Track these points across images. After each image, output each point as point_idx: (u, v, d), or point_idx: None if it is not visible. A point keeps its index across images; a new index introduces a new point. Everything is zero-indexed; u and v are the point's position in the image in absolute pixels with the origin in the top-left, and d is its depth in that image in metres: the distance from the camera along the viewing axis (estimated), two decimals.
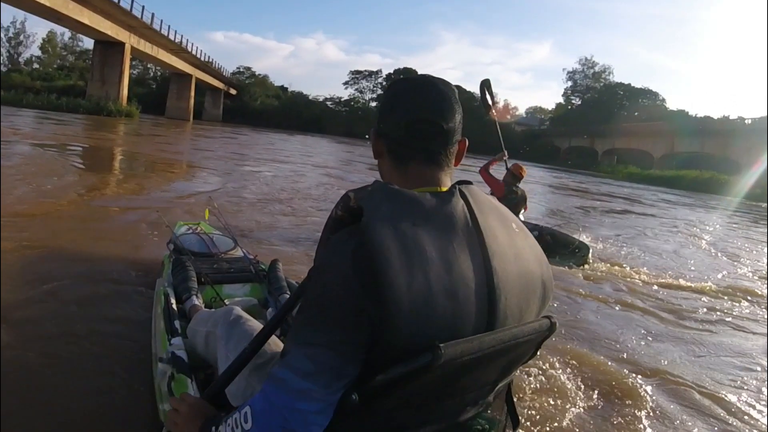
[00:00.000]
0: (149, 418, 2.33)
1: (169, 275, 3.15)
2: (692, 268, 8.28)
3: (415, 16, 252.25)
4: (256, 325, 2.01)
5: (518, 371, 1.32)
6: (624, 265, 7.52)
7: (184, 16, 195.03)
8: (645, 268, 7.50)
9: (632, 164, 58.98)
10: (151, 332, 2.95)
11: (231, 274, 3.30)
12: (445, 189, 1.20)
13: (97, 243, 5.11)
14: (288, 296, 2.78)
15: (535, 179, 29.06)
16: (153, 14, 45.67)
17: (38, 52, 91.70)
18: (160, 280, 3.27)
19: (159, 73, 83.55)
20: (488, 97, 7.12)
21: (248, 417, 1.07)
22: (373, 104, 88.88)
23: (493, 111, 7.26)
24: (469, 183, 1.23)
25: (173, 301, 2.80)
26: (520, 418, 1.41)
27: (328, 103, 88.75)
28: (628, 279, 6.78)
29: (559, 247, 7.04)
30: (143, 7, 43.46)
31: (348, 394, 1.01)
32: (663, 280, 6.96)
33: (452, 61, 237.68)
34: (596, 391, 3.40)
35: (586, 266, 7.12)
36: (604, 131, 69.99)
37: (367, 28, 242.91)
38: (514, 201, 6.62)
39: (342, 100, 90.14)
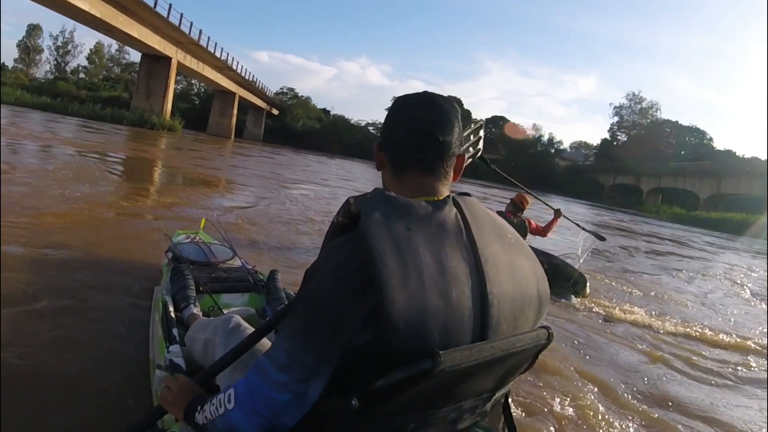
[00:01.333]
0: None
1: (167, 283, 3.19)
2: (728, 318, 7.77)
3: (461, 43, 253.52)
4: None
5: (516, 381, 1.32)
6: (634, 310, 6.98)
7: (230, 34, 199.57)
8: (668, 316, 7.00)
9: (678, 204, 58.42)
10: (149, 340, 2.98)
11: (229, 284, 3.33)
12: (440, 198, 1.24)
13: (106, 250, 5.17)
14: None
15: (575, 217, 28.84)
16: (201, 31, 46.60)
17: (85, 62, 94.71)
18: (159, 288, 3.31)
19: (203, 90, 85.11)
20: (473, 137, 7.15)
21: (231, 398, 1.18)
22: None
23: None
24: (467, 195, 1.27)
25: (171, 309, 2.84)
26: (516, 428, 1.43)
27: (370, 128, 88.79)
28: (632, 322, 6.39)
29: (558, 279, 6.94)
30: (191, 23, 44.39)
31: (347, 399, 1.03)
32: (684, 329, 6.34)
33: (496, 90, 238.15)
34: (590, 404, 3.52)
35: (584, 299, 7.02)
36: (650, 169, 69.20)
37: (412, 53, 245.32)
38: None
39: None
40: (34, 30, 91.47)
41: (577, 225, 7.73)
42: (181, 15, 42.04)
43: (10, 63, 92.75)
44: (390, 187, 1.31)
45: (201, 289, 3.12)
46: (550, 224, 7.42)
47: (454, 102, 1.31)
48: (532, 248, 1.35)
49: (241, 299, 3.24)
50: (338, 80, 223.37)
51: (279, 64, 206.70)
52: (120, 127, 38.02)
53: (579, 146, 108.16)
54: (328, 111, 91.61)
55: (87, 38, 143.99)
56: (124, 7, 35.53)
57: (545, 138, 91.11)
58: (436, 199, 1.23)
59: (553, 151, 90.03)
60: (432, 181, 1.27)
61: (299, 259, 6.37)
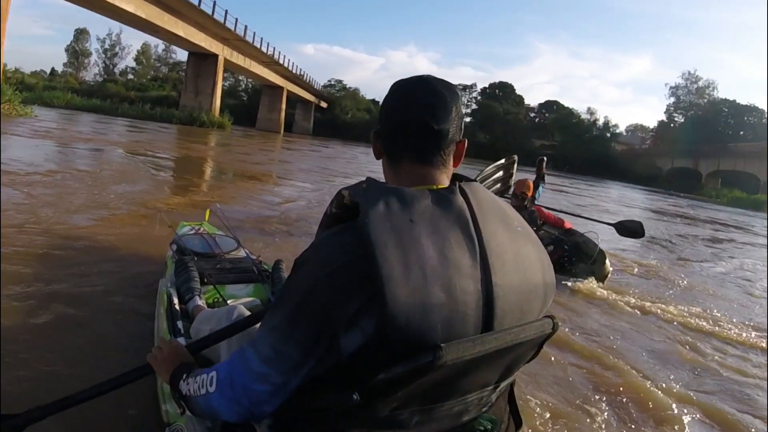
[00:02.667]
0: (152, 419, 2.36)
1: (171, 276, 3.21)
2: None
3: (509, 26, 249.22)
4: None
5: (521, 371, 1.33)
6: (671, 305, 6.15)
7: (275, 29, 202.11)
8: (714, 314, 6.09)
9: (738, 188, 56.51)
10: (154, 332, 3.00)
11: (234, 275, 3.34)
12: (442, 186, 1.22)
13: (115, 244, 5.26)
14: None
15: (631, 202, 28.17)
16: (246, 26, 47.21)
17: (133, 63, 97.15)
18: (163, 280, 3.31)
19: (250, 85, 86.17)
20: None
21: (213, 382, 1.23)
22: (468, 119, 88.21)
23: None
24: (473, 180, 1.25)
25: (176, 301, 2.86)
26: (522, 418, 1.42)
27: None
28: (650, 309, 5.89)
29: (581, 257, 6.81)
30: (236, 19, 44.98)
31: (350, 393, 1.03)
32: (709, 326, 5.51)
33: (548, 74, 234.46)
34: (600, 394, 3.46)
35: (602, 281, 6.74)
36: (709, 152, 67.18)
37: (460, 39, 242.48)
38: None
39: None
40: (81, 34, 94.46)
41: (607, 224, 7.57)
42: (226, 12, 42.68)
43: (59, 68, 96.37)
44: (387, 176, 1.31)
45: (205, 280, 3.15)
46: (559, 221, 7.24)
47: (453, 87, 1.28)
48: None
49: (245, 290, 3.25)
50: (386, 70, 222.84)
51: (325, 57, 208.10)
52: (169, 126, 38.90)
53: (635, 129, 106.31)
54: (377, 101, 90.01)
55: (134, 40, 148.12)
56: (169, 6, 36.26)
57: (600, 122, 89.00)
58: (436, 187, 1.21)
59: (608, 135, 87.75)
60: (429, 170, 1.24)
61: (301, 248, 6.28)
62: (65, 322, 3.36)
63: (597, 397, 3.44)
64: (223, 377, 1.21)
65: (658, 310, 5.79)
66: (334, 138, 66.73)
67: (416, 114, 1.22)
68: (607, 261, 6.90)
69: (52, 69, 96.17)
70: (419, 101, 1.23)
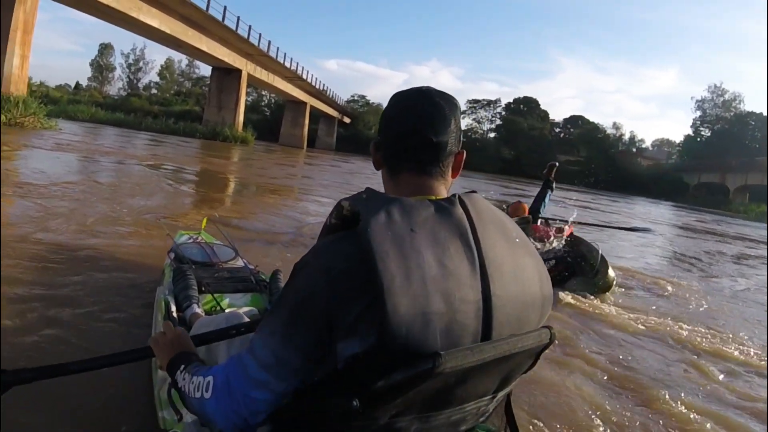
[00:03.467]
0: (149, 426, 2.36)
1: (169, 283, 3.23)
2: None
3: (532, 41, 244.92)
4: None
5: (517, 382, 1.33)
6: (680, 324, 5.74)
7: (298, 44, 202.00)
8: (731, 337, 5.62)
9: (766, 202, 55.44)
10: None
11: (232, 284, 3.35)
12: (441, 198, 1.24)
13: (114, 253, 5.29)
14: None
15: (658, 218, 27.85)
16: (269, 42, 47.59)
17: (156, 78, 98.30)
18: (161, 288, 3.34)
19: (273, 100, 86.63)
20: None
21: (209, 387, 1.20)
22: (492, 135, 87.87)
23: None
24: (473, 192, 1.26)
25: (174, 309, 2.88)
26: (518, 428, 1.44)
27: None
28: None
29: (584, 269, 6.69)
30: (260, 34, 45.41)
31: (348, 400, 1.03)
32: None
33: (573, 88, 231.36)
34: (595, 407, 3.43)
35: (605, 293, 6.59)
36: (736, 166, 66.40)
37: (483, 54, 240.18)
38: None
39: None
40: (105, 49, 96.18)
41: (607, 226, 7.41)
42: (249, 27, 43.17)
43: (84, 82, 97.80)
44: (386, 186, 1.33)
45: (203, 289, 3.17)
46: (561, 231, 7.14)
47: (452, 99, 1.31)
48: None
49: (243, 299, 3.26)
50: (409, 85, 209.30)
51: (348, 72, 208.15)
52: (192, 141, 39.30)
53: (661, 144, 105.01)
54: None
55: (157, 55, 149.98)
56: (193, 22, 36.73)
57: (626, 137, 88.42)
58: (435, 198, 1.23)
59: (634, 150, 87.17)
60: (428, 180, 1.26)
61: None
62: (61, 329, 3.38)
63: (593, 409, 3.41)
64: (219, 384, 1.18)
65: (667, 327, 5.56)
66: (356, 153, 66.69)
67: (416, 126, 1.24)
68: (611, 270, 6.76)
69: (77, 83, 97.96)
70: (419, 113, 1.25)
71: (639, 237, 13.23)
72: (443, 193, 1.27)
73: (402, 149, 1.27)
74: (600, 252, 6.77)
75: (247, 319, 2.15)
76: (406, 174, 1.27)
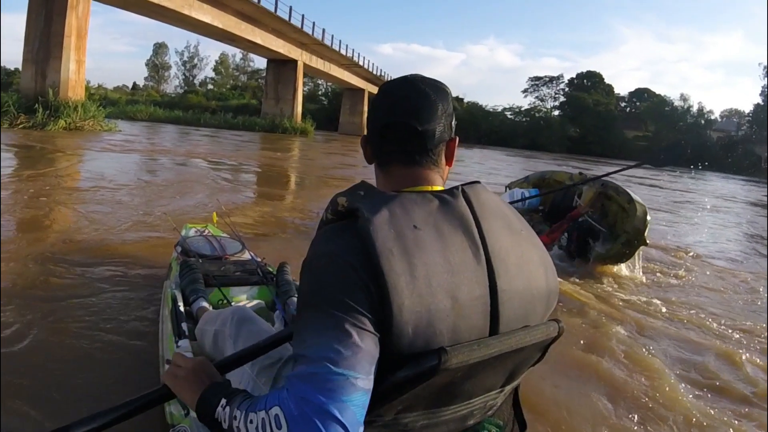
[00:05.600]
0: (155, 420, 2.34)
1: (176, 277, 3.29)
2: None
3: (591, 11, 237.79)
4: (265, 325, 2.14)
5: (525, 375, 1.34)
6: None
7: (351, 30, 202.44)
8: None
9: None
10: (159, 334, 3.07)
11: (238, 277, 3.40)
12: (437, 188, 1.26)
13: (125, 249, 5.38)
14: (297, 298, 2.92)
15: (724, 194, 26.83)
16: (324, 30, 47.74)
17: (212, 74, 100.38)
18: (168, 282, 3.40)
19: (330, 89, 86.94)
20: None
21: (281, 422, 0.95)
22: (556, 113, 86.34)
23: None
24: (477, 183, 1.26)
25: (181, 303, 2.92)
26: (527, 422, 1.44)
27: (507, 113, 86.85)
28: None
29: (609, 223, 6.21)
30: (314, 23, 45.56)
31: None
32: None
33: (636, 59, 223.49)
34: (607, 399, 3.35)
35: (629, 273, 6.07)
36: None
37: (541, 28, 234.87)
38: None
39: (522, 109, 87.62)
40: (160, 48, 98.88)
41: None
42: (303, 16, 43.34)
43: (140, 82, 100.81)
44: (378, 180, 1.34)
45: (210, 282, 3.22)
46: (556, 228, 6.53)
47: (441, 85, 1.30)
48: None
49: (250, 292, 3.31)
50: (466, 65, 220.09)
51: (404, 55, 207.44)
52: (252, 134, 39.98)
53: (730, 114, 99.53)
54: (462, 99, 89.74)
55: (211, 50, 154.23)
56: (246, 15, 37.18)
57: (694, 108, 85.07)
58: (430, 188, 1.24)
59: (702, 122, 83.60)
60: (419, 170, 1.27)
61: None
62: (69, 325, 3.46)
63: (604, 401, 3.33)
64: (296, 413, 0.94)
65: (697, 318, 5.01)
66: None
67: (399, 116, 1.24)
68: (642, 215, 5.92)
69: (134, 83, 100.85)
70: (402, 102, 1.25)
71: (714, 217, 12.67)
72: (438, 182, 1.28)
73: (388, 141, 1.27)
74: (634, 197, 6.11)
75: (253, 313, 2.20)
76: (395, 165, 1.28)
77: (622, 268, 6.27)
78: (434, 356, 1.00)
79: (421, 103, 1.24)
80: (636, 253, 6.10)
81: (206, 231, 4.33)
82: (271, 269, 3.56)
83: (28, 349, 3.08)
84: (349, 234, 1.07)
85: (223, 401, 1.12)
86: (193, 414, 1.87)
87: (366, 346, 0.98)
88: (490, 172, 23.59)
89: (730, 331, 4.70)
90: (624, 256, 6.08)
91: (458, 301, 1.06)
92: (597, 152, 69.51)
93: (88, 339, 3.28)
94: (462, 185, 1.21)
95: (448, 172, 1.33)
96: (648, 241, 6.07)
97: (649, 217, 6.02)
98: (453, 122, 1.30)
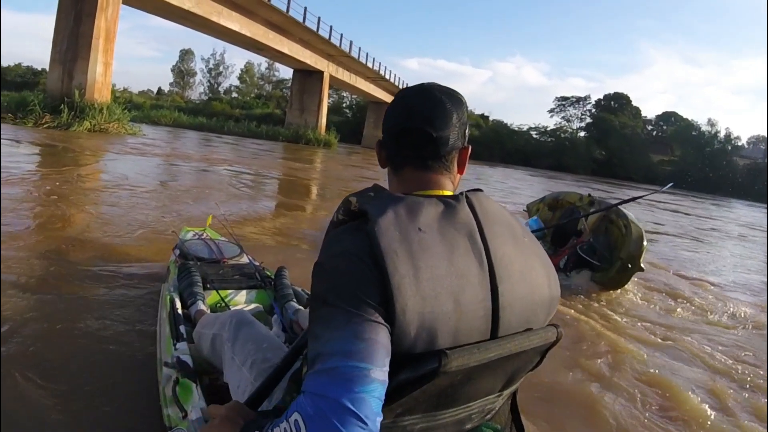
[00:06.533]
0: (153, 422, 2.41)
1: (174, 280, 3.31)
2: None
3: (618, 31, 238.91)
4: (263, 329, 2.14)
5: (523, 379, 1.38)
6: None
7: (378, 44, 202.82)
8: None
9: None
10: (157, 337, 3.09)
11: (236, 281, 3.42)
12: (446, 193, 1.29)
13: (122, 250, 5.40)
14: (295, 303, 3.02)
15: (750, 223, 26.30)
16: (351, 42, 47.87)
17: (237, 82, 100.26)
18: (166, 285, 3.42)
19: (354, 102, 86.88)
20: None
21: (300, 425, 0.96)
22: (582, 134, 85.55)
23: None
24: (479, 191, 1.30)
25: (179, 306, 2.93)
26: (525, 427, 1.47)
27: (533, 132, 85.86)
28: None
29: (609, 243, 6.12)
30: (341, 35, 45.64)
31: None
32: None
33: (663, 82, 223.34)
34: (605, 405, 3.40)
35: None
36: None
37: (569, 48, 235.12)
38: None
39: (547, 129, 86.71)
40: (186, 54, 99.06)
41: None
42: (331, 27, 43.38)
43: (165, 87, 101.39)
44: (391, 184, 1.37)
45: (208, 285, 3.24)
46: (559, 254, 6.50)
47: (456, 94, 1.33)
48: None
49: (248, 296, 3.32)
50: (493, 83, 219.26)
51: (430, 71, 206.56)
52: (273, 144, 39.97)
53: (757, 141, 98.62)
54: (487, 116, 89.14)
55: (237, 59, 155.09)
56: (274, 24, 37.38)
57: (721, 134, 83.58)
58: (442, 193, 1.27)
59: (729, 148, 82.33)
60: (431, 175, 1.30)
61: (310, 256, 6.01)
62: (66, 326, 3.44)
63: (602, 406, 3.38)
64: (313, 412, 0.96)
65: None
66: None
67: (414, 122, 1.28)
68: (637, 238, 5.90)
69: (159, 88, 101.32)
70: (418, 109, 1.29)
71: (739, 246, 12.41)
72: (448, 187, 1.31)
73: (402, 145, 1.31)
74: (631, 219, 6.05)
75: (251, 317, 2.20)
76: (408, 170, 1.31)
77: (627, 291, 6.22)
78: (434, 359, 1.04)
79: (437, 111, 1.27)
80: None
81: (204, 234, 4.37)
82: (269, 273, 3.58)
83: (22, 352, 3.06)
84: (361, 234, 1.10)
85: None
86: (190, 417, 1.91)
87: (380, 338, 1.01)
88: (513, 191, 23.42)
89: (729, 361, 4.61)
90: (619, 283, 6.03)
91: (460, 305, 1.09)
92: (622, 175, 68.66)
93: (84, 340, 3.29)
94: (466, 192, 1.24)
95: (459, 180, 1.37)
96: (644, 267, 5.98)
97: (645, 242, 5.96)
98: (467, 131, 1.34)
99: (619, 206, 6.32)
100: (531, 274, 1.23)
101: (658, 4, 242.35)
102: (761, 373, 4.29)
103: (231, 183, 12.88)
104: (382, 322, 1.03)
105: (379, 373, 0.99)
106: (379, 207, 1.13)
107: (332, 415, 0.93)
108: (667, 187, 6.65)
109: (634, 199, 6.62)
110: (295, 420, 0.97)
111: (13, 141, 15.32)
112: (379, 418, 0.97)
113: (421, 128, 1.27)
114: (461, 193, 1.25)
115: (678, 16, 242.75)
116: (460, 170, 1.36)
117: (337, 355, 0.99)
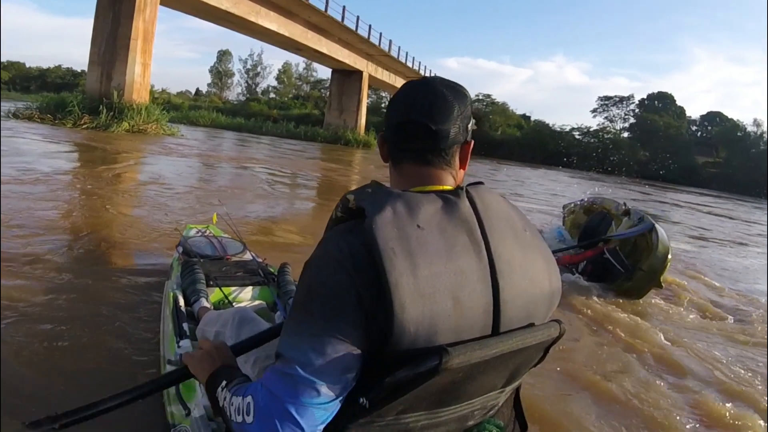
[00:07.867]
0: (157, 420, 2.42)
1: (178, 278, 3.35)
2: None
3: (661, 29, 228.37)
4: (266, 326, 2.16)
5: (526, 375, 1.37)
6: None
7: (416, 43, 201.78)
8: None
9: None
10: (160, 334, 3.12)
11: (240, 277, 3.45)
12: (447, 188, 1.28)
13: (126, 248, 5.47)
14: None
15: None
16: (390, 41, 47.68)
17: (274, 83, 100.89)
18: (169, 282, 3.46)
19: None
20: None
21: (250, 410, 1.08)
22: (626, 134, 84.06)
23: None
24: (480, 183, 1.29)
25: (182, 303, 2.97)
26: (527, 422, 1.47)
27: (575, 133, 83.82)
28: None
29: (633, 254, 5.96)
30: (380, 34, 45.44)
31: (357, 398, 1.09)
32: None
33: (707, 81, 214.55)
34: (605, 402, 3.42)
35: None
36: None
37: (612, 47, 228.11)
38: None
39: (590, 129, 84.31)
40: (224, 55, 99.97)
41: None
42: (370, 27, 43.28)
43: (203, 88, 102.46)
44: (391, 179, 1.37)
45: (211, 282, 3.26)
46: (582, 255, 6.43)
47: (460, 88, 1.32)
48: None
49: (251, 292, 3.36)
50: (534, 82, 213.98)
51: (469, 70, 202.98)
52: (312, 144, 40.28)
53: None
54: (528, 117, 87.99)
55: (275, 59, 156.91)
56: (313, 24, 37.56)
57: (767, 135, 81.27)
58: (442, 188, 1.27)
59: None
60: (431, 170, 1.29)
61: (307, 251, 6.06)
62: (71, 323, 3.51)
63: (603, 403, 3.38)
64: (263, 404, 1.06)
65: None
66: (483, 156, 65.02)
67: (414, 114, 1.27)
68: (662, 254, 5.75)
69: (197, 89, 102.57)
70: (418, 101, 1.28)
71: None
72: (449, 182, 1.30)
73: (402, 139, 1.30)
74: (661, 236, 5.86)
75: (253, 314, 2.26)
76: (407, 164, 1.31)
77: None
78: (435, 356, 1.03)
79: (437, 104, 1.25)
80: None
81: (207, 231, 4.41)
82: (272, 270, 3.61)
83: (27, 349, 3.10)
84: (354, 235, 1.10)
85: (224, 383, 1.26)
86: (193, 414, 1.92)
87: (339, 355, 1.04)
88: (555, 193, 23.02)
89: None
90: (635, 293, 5.90)
91: (460, 302, 1.09)
92: (667, 178, 67.45)
93: (87, 338, 3.33)
94: (466, 186, 1.23)
95: (462, 176, 1.35)
96: (663, 285, 5.85)
97: (669, 259, 5.83)
98: (470, 126, 1.32)
99: (646, 232, 6.16)
100: (531, 268, 1.22)
101: (704, 1, 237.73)
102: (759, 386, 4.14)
103: (263, 184, 13.01)
104: (349, 337, 1.05)
105: (328, 389, 1.05)
106: (377, 204, 1.12)
107: (276, 416, 1.04)
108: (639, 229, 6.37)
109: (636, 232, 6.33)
110: (248, 403, 1.10)
111: (50, 141, 15.69)
112: (319, 428, 1.06)
113: (420, 121, 1.25)
114: (461, 188, 1.23)
115: (724, 14, 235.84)
116: (463, 166, 1.34)
117: (293, 363, 1.06)
